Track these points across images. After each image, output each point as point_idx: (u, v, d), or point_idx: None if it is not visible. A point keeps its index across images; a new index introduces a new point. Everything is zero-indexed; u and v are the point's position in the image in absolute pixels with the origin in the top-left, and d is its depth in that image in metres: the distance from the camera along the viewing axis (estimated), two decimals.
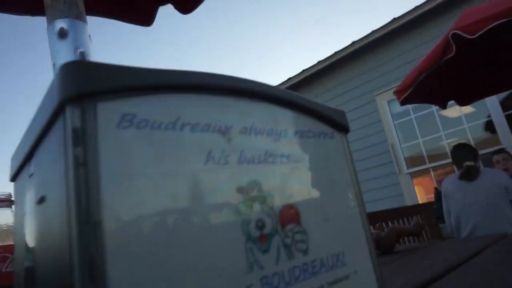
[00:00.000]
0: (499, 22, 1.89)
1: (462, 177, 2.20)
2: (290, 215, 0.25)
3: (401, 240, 0.98)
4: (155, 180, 0.18)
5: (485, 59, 2.72)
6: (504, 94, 3.89)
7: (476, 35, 1.97)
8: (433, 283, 0.58)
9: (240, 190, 0.22)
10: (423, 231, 2.06)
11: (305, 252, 0.25)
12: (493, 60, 2.74)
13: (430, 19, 4.28)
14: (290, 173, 0.26)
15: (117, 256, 0.16)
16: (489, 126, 4.15)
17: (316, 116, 0.28)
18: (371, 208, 3.91)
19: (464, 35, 1.99)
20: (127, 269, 0.16)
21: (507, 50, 2.56)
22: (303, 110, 0.27)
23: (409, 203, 4.33)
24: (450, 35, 2.07)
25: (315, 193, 0.27)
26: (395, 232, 0.95)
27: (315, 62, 5.22)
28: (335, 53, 5.07)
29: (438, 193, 2.51)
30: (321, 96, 5.08)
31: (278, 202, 0.24)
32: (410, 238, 2.15)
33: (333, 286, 0.26)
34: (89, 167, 0.16)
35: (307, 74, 5.25)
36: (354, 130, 4.72)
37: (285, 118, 0.26)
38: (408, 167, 4.58)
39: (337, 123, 0.30)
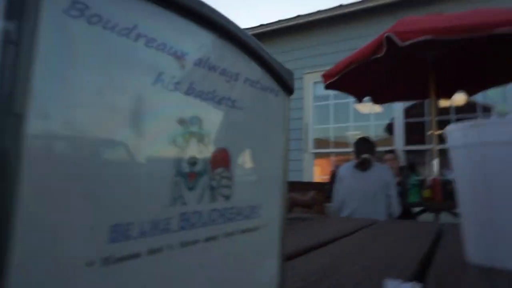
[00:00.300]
0: (427, 37, 2.09)
1: (357, 166, 2.47)
2: (222, 159, 0.25)
3: (293, 208, 1.07)
4: (97, 88, 0.16)
5: (405, 67, 3.00)
6: (409, 103, 4.39)
7: (405, 44, 2.15)
8: (315, 249, 0.65)
9: (181, 121, 0.21)
10: (314, 205, 2.29)
11: (227, 198, 0.26)
12: (411, 70, 3.04)
13: (375, 15, 4.50)
14: (231, 118, 0.25)
15: (35, 161, 0.14)
16: (389, 128, 4.67)
17: (268, 70, 0.28)
18: None
19: (396, 40, 2.16)
20: (44, 178, 0.14)
21: (421, 65, 2.86)
22: (260, 61, 0.27)
23: (305, 179, 4.72)
24: (385, 36, 2.22)
25: (249, 145, 0.28)
26: (292, 200, 1.03)
27: (258, 24, 5.16)
28: (279, 21, 5.06)
29: (333, 176, 2.78)
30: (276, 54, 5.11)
31: (214, 144, 0.24)
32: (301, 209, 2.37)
33: (244, 234, 0.27)
34: (22, 48, 0.13)
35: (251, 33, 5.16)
36: None
37: (241, 63, 0.25)
38: (313, 148, 4.95)
39: (285, 83, 0.30)
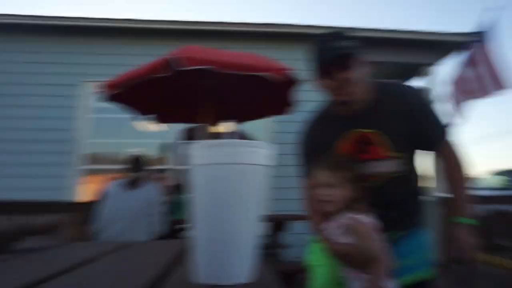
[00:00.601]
0: (205, 67, 2.27)
1: (126, 184, 2.37)
2: None
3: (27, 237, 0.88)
4: None
5: (187, 91, 3.16)
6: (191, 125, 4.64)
7: (185, 68, 2.25)
8: None
9: None
10: (67, 229, 2.00)
11: None
12: (192, 95, 3.22)
13: (162, 37, 4.57)
14: None
15: None
16: (163, 148, 4.79)
17: None
18: (31, 195, 3.44)
19: (178, 64, 2.24)
20: None
21: (200, 91, 3.10)
22: None
23: (70, 198, 4.16)
24: (170, 58, 2.27)
25: None
26: (22, 227, 0.83)
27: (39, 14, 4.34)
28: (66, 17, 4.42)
29: (101, 194, 2.56)
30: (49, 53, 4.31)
31: None
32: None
33: None
34: None
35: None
36: (48, 108, 4.17)
37: None
38: (86, 163, 4.47)
39: None
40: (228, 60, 2.44)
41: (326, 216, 1.19)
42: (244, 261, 0.61)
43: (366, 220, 1.15)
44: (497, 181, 7.84)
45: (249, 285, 0.57)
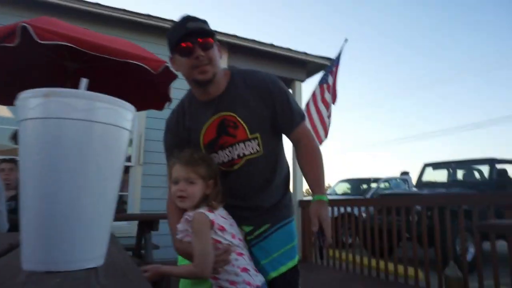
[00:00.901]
0: (66, 43, 1.97)
1: None
2: None
3: None
4: None
5: (39, 69, 2.69)
6: None
7: (42, 42, 1.93)
8: None
9: None
10: None
11: None
12: (45, 73, 2.76)
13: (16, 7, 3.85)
14: None
15: None
16: (13, 136, 4.01)
17: None
18: None
19: (33, 35, 1.90)
20: None
21: (58, 70, 2.69)
22: None
23: None
24: (21, 26, 1.90)
25: None
26: None
27: None
28: None
29: None
30: None
31: None
32: None
33: None
34: None
35: None
36: None
37: None
38: None
39: None
40: (95, 41, 2.18)
41: (182, 213, 1.18)
42: (89, 242, 0.50)
43: (202, 216, 1.15)
44: (342, 188, 9.18)
45: (96, 270, 0.47)
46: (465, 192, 5.02)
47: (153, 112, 3.85)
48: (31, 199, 0.49)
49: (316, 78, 5.24)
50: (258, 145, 1.25)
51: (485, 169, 5.75)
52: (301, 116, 1.32)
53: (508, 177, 5.78)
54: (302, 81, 5.19)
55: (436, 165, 6.57)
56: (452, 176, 6.26)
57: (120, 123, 0.53)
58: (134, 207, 3.84)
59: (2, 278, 0.43)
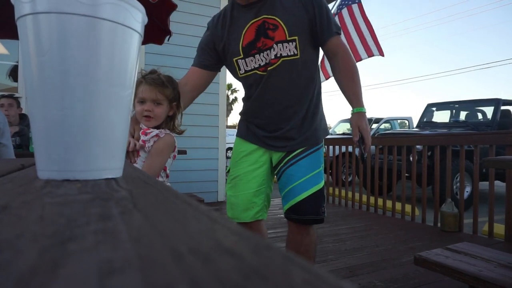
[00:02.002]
0: None
1: None
2: None
3: None
4: None
5: None
6: None
7: None
8: None
9: None
10: None
11: None
12: None
13: None
14: None
15: None
16: (14, 73, 3.93)
17: None
18: None
19: None
20: None
21: None
22: None
23: None
24: None
25: None
26: None
27: None
28: None
29: None
30: None
31: None
32: None
33: None
34: None
35: None
36: None
37: None
38: None
39: None
40: None
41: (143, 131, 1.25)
42: (106, 152, 0.48)
43: (172, 139, 1.25)
44: (342, 128, 9.25)
45: (115, 180, 0.45)
46: (467, 131, 5.03)
47: (152, 48, 3.71)
48: (40, 107, 0.45)
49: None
50: (296, 47, 1.26)
51: (489, 110, 5.71)
52: (338, 28, 1.33)
53: (511, 118, 5.76)
54: None
55: (440, 106, 6.52)
56: (454, 117, 6.23)
57: (130, 23, 0.48)
58: None
59: (19, 184, 0.41)
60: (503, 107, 5.61)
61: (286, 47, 1.25)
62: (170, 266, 0.14)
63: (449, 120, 6.11)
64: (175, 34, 2.97)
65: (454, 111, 6.17)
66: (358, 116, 1.29)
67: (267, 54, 1.27)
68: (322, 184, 1.37)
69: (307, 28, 1.27)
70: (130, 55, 0.49)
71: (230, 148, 15.74)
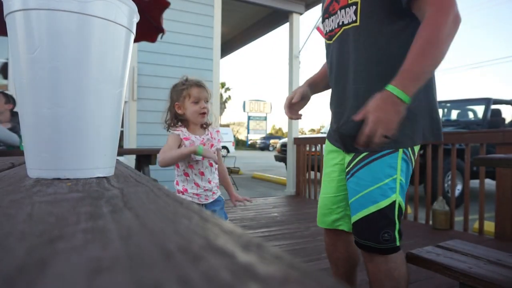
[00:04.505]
0: None
1: None
2: None
3: None
4: None
5: None
6: None
7: None
8: None
9: None
10: None
11: None
12: None
13: None
14: None
15: None
16: (4, 70, 3.87)
17: None
18: None
19: None
20: None
21: None
22: None
23: None
24: None
25: None
26: None
27: None
28: None
29: None
30: None
31: None
32: None
33: None
34: None
35: None
36: None
37: None
38: None
39: None
40: None
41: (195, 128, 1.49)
42: (97, 151, 0.47)
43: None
44: None
45: (107, 178, 0.45)
46: (458, 130, 5.09)
47: (145, 46, 3.68)
48: (30, 105, 0.45)
49: (316, 10, 4.98)
50: (355, 12, 0.99)
51: (480, 109, 5.78)
52: None
53: (502, 117, 5.84)
54: (301, 13, 4.93)
55: None
56: (446, 115, 6.30)
57: (121, 21, 0.47)
58: (130, 144, 3.83)
59: (9, 182, 0.40)
60: (493, 106, 5.68)
61: (348, 12, 1.00)
62: (159, 265, 0.14)
63: (441, 119, 6.18)
64: (168, 32, 2.95)
65: (445, 110, 6.23)
66: (378, 96, 0.87)
67: (333, 20, 1.06)
68: (384, 203, 0.98)
69: None
70: (122, 52, 0.49)
71: (224, 147, 15.73)
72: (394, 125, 0.85)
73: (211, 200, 1.44)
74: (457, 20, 0.86)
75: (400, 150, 0.98)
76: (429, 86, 1.01)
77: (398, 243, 1.00)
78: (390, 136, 0.86)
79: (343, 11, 1.02)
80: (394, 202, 0.99)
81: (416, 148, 1.03)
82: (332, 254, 1.23)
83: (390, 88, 0.85)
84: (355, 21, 1.00)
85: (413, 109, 0.96)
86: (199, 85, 1.42)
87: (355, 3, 0.98)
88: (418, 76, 0.86)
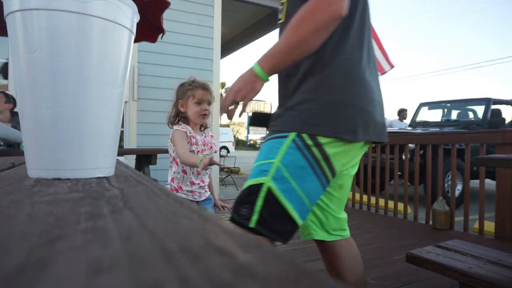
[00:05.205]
0: None
1: None
2: None
3: None
4: None
5: None
6: None
7: None
8: None
9: None
10: None
11: None
12: None
13: None
14: None
15: None
16: (4, 70, 3.87)
17: None
18: None
19: None
20: None
21: None
22: None
23: None
24: None
25: None
26: None
27: None
28: None
29: None
30: None
31: None
32: None
33: None
34: None
35: None
36: None
37: None
38: None
39: None
40: None
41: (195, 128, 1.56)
42: (98, 150, 0.47)
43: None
44: None
45: (107, 178, 0.45)
46: (458, 130, 5.08)
47: (145, 46, 3.68)
48: (30, 105, 0.45)
49: None
50: (282, 11, 1.03)
51: (480, 109, 5.78)
52: None
53: (502, 117, 5.84)
54: None
55: (432, 105, 6.58)
56: (446, 115, 6.29)
57: (122, 21, 0.47)
58: (130, 144, 3.83)
59: (9, 182, 0.40)
60: (493, 106, 5.68)
61: (280, 12, 1.04)
62: (159, 265, 0.14)
63: (441, 119, 6.17)
64: (168, 32, 2.95)
65: (446, 110, 6.23)
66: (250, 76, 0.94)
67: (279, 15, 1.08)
68: (252, 181, 0.95)
69: None
70: (122, 53, 0.49)
71: (224, 147, 15.72)
72: (243, 94, 0.93)
73: (203, 198, 1.56)
74: (334, 13, 0.85)
75: (290, 136, 0.94)
76: (350, 79, 0.98)
77: (252, 225, 0.90)
78: (237, 101, 0.95)
79: (281, 10, 1.08)
80: (261, 184, 0.93)
81: (324, 139, 0.94)
82: (330, 271, 1.13)
83: (254, 63, 0.93)
84: (280, 20, 1.05)
85: (322, 97, 0.95)
86: (204, 87, 1.52)
87: (283, 3, 1.05)
88: (274, 55, 0.90)
